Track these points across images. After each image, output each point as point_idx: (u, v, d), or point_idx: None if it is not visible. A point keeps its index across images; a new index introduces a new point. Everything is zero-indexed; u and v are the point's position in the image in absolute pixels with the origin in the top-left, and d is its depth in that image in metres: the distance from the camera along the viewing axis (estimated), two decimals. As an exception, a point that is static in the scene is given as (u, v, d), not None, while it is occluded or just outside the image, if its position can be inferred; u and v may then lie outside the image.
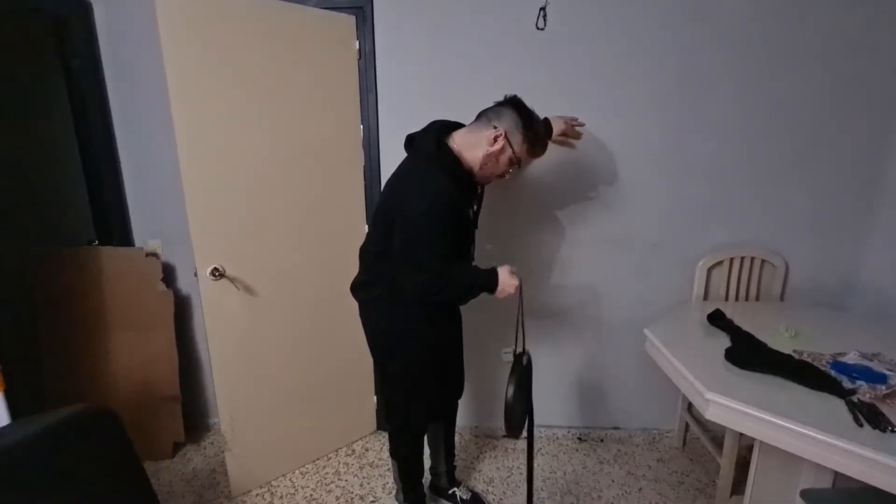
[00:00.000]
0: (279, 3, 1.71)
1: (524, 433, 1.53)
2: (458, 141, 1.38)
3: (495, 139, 1.33)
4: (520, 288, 1.40)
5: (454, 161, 1.36)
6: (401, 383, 1.55)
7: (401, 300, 1.41)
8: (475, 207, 1.50)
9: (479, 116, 1.40)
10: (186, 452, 2.17)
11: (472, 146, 1.36)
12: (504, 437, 2.27)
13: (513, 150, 1.35)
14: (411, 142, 1.42)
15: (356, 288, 1.56)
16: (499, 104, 1.39)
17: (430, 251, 1.30)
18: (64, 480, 0.65)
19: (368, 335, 1.58)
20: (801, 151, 1.91)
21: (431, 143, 1.35)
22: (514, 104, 1.37)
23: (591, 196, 2.00)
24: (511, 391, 1.39)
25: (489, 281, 1.39)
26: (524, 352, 1.48)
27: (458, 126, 1.43)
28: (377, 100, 1.93)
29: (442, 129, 1.40)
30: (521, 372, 1.45)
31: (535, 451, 2.17)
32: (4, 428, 0.69)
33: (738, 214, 1.99)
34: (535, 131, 1.38)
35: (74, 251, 2.03)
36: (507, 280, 1.39)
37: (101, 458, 0.70)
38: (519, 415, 1.45)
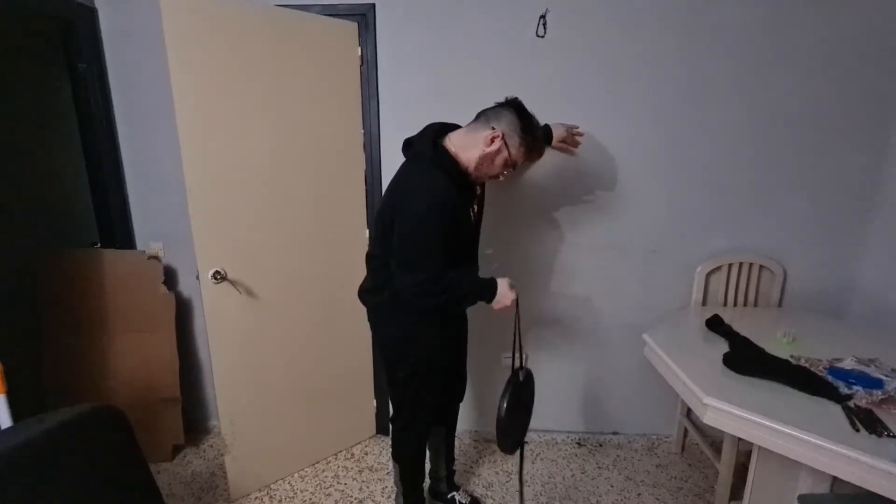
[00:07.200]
0: (283, 9, 1.73)
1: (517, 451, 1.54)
2: (454, 141, 1.38)
3: (492, 140, 1.33)
4: (517, 302, 1.41)
5: (451, 161, 1.36)
6: (408, 387, 1.55)
7: (408, 305, 1.40)
8: (475, 208, 1.50)
9: (478, 117, 1.40)
10: (186, 455, 2.17)
11: (468, 146, 1.36)
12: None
13: (509, 152, 1.35)
14: (409, 146, 1.43)
15: (364, 293, 1.57)
16: (499, 105, 1.39)
17: (428, 252, 1.30)
18: (73, 479, 0.66)
19: (377, 340, 1.58)
20: (801, 159, 1.93)
21: (428, 144, 1.36)
22: (514, 106, 1.36)
23: (592, 202, 2.02)
24: (504, 406, 1.39)
25: (487, 290, 1.40)
26: (521, 367, 1.48)
27: (455, 127, 1.44)
28: (379, 105, 1.95)
29: (438, 131, 1.40)
30: (517, 387, 1.45)
31: (535, 456, 2.18)
32: (13, 427, 0.70)
33: (737, 221, 2.01)
34: (534, 135, 1.37)
35: (77, 253, 2.05)
36: (505, 292, 1.40)
37: (110, 456, 0.70)
38: (510, 430, 1.45)
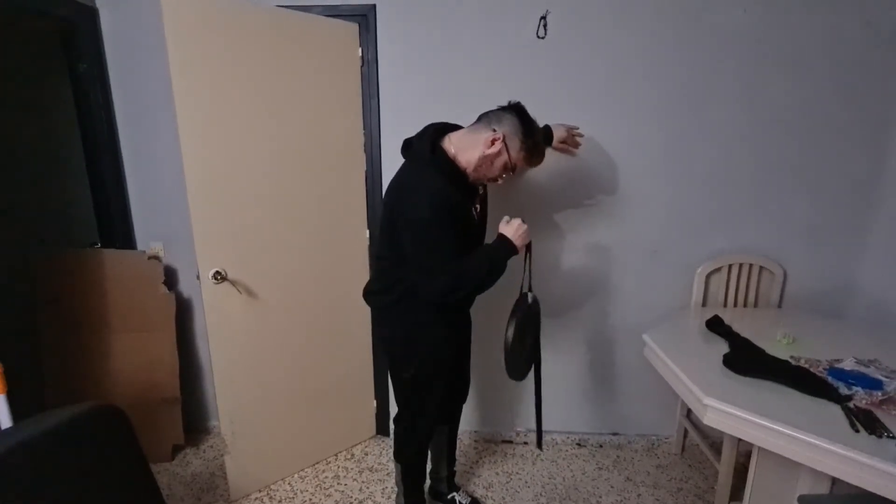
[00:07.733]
0: (284, 10, 1.73)
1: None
2: (454, 142, 1.38)
3: (493, 142, 1.33)
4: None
5: (448, 163, 1.36)
6: (414, 387, 1.55)
7: (415, 306, 1.41)
8: (478, 207, 1.50)
9: (480, 118, 1.40)
10: (186, 455, 2.17)
11: (468, 147, 1.36)
12: (503, 441, 2.27)
13: (509, 155, 1.35)
14: (408, 146, 1.43)
15: (370, 294, 1.57)
16: (501, 108, 1.39)
17: (439, 254, 1.30)
18: (73, 478, 0.66)
19: (383, 341, 1.58)
20: (801, 160, 1.93)
21: (426, 145, 1.36)
22: (516, 110, 1.37)
23: (592, 203, 2.02)
24: (511, 332, 1.40)
25: (504, 248, 1.39)
26: (530, 290, 1.48)
27: (455, 128, 1.44)
28: (380, 106, 1.95)
29: (438, 131, 1.40)
30: (525, 311, 1.45)
31: (535, 456, 2.18)
32: (13, 427, 0.70)
33: (737, 222, 2.01)
34: (534, 140, 1.37)
35: (77, 253, 2.05)
36: (515, 231, 1.40)
37: (110, 455, 0.70)
38: (519, 355, 1.46)
